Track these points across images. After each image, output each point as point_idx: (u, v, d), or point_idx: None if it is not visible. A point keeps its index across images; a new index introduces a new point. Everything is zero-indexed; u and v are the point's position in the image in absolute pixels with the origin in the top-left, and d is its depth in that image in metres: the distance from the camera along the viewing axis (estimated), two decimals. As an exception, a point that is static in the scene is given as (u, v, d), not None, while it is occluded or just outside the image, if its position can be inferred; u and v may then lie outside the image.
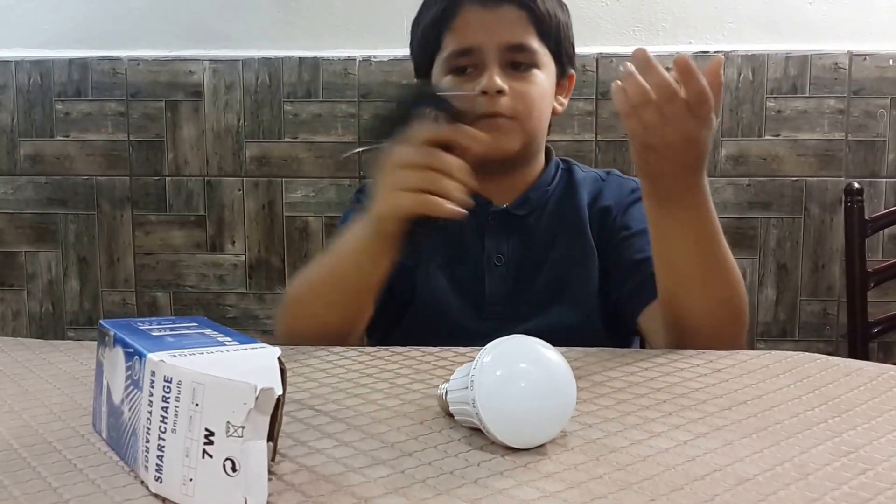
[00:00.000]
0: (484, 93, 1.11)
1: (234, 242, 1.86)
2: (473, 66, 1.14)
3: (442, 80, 1.17)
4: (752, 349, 1.76)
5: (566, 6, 1.23)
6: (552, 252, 1.17)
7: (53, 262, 1.89)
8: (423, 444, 0.64)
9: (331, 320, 1.01)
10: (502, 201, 1.19)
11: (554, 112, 1.22)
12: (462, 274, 1.17)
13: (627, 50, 1.75)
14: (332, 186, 1.83)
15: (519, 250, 1.17)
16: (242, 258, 1.86)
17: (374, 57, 1.80)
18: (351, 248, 0.99)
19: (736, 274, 0.98)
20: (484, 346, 0.66)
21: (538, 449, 0.63)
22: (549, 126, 1.25)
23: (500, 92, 1.11)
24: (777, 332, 1.82)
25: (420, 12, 1.23)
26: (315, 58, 1.82)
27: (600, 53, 1.77)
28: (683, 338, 0.98)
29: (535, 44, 1.15)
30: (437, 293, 1.16)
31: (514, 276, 1.16)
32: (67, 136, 1.86)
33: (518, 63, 1.14)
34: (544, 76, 1.16)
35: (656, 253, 0.99)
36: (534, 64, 1.15)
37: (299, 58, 1.82)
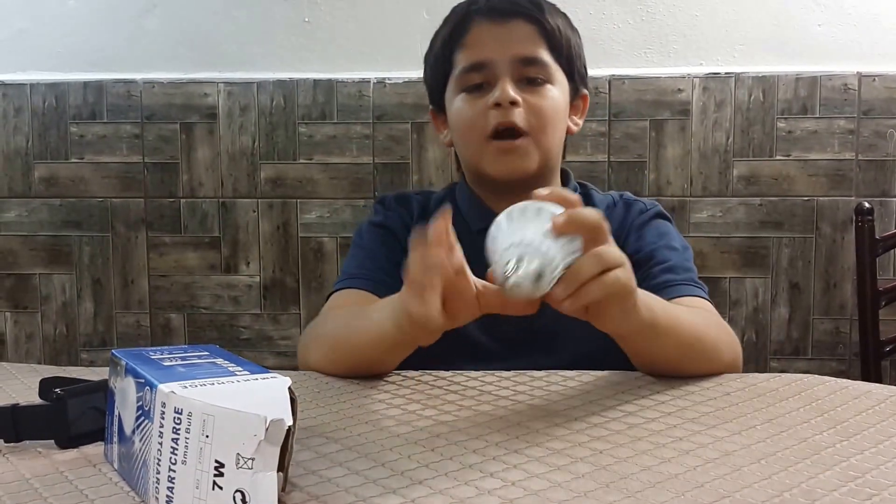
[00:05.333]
0: (497, 105, 1.12)
1: (248, 264, 1.87)
2: (486, 81, 1.14)
3: (455, 98, 1.18)
4: (766, 367, 1.77)
5: (576, 29, 1.23)
6: None
7: (68, 284, 1.90)
8: (434, 471, 0.65)
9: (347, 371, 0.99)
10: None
11: (569, 132, 1.22)
12: None
13: (639, 72, 1.79)
14: (347, 207, 1.84)
15: None
16: (257, 279, 1.87)
17: (389, 79, 1.81)
18: (379, 333, 0.91)
19: (702, 334, 0.96)
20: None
21: (549, 477, 0.63)
22: (565, 148, 1.25)
23: (514, 103, 1.11)
24: (790, 350, 1.81)
25: (432, 40, 1.24)
26: (329, 80, 1.83)
27: (612, 75, 1.78)
28: None
29: (547, 57, 1.15)
30: None
31: None
32: (82, 159, 1.87)
33: (531, 78, 1.14)
34: (558, 91, 1.16)
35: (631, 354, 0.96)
36: (547, 79, 1.15)
37: (314, 80, 1.83)
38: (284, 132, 1.84)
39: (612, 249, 0.78)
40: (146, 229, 1.87)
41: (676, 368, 0.93)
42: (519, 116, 1.12)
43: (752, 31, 1.78)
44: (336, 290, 1.16)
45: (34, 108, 1.87)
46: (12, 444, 0.70)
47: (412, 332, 0.84)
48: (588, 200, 1.24)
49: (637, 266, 1.14)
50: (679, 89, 1.77)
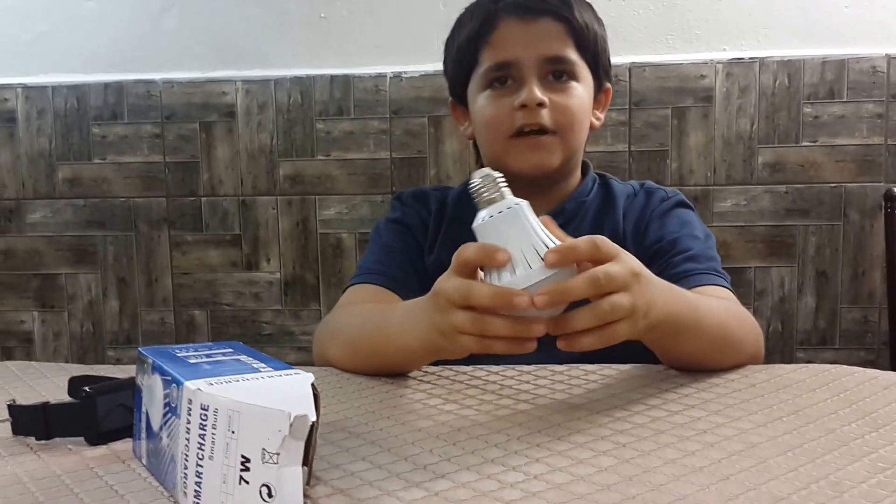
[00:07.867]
0: (524, 106, 1.11)
1: (269, 260, 1.88)
2: (512, 78, 1.14)
3: (479, 95, 1.17)
4: (792, 358, 1.76)
5: (602, 21, 1.22)
6: None
7: (93, 283, 1.91)
8: (456, 465, 0.65)
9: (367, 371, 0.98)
10: (537, 212, 1.18)
11: (591, 127, 1.21)
12: None
13: (661, 59, 1.78)
14: (365, 203, 1.84)
15: None
16: (278, 276, 1.88)
17: (405, 73, 1.81)
18: (402, 339, 0.89)
19: (726, 324, 0.94)
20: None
21: (571, 470, 0.63)
22: (586, 142, 1.25)
23: (541, 105, 1.11)
24: (817, 340, 1.79)
25: (454, 30, 1.22)
26: (346, 75, 1.83)
27: (633, 63, 1.76)
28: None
29: (574, 56, 1.15)
30: None
31: None
32: (104, 159, 1.88)
33: (557, 75, 1.14)
34: (583, 89, 1.16)
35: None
36: (573, 76, 1.15)
37: (330, 76, 1.83)
38: (302, 129, 1.84)
39: (613, 269, 0.74)
40: (168, 228, 1.88)
41: (702, 363, 0.92)
42: (545, 117, 1.12)
43: (776, 14, 1.75)
44: (352, 285, 1.16)
45: (56, 110, 1.89)
46: (44, 441, 0.71)
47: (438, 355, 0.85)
48: (607, 191, 1.23)
49: (658, 255, 1.14)
50: (702, 75, 1.76)
